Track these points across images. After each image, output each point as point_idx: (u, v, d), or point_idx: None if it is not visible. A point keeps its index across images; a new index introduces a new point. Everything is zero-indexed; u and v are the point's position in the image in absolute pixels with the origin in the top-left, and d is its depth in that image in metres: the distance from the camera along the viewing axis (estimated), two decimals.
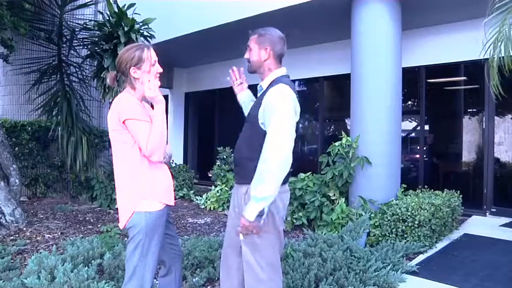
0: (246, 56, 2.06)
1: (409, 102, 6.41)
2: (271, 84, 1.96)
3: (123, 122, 1.89)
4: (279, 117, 1.81)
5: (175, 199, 7.22)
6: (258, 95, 2.06)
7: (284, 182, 1.90)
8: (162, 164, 2.03)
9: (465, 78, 5.99)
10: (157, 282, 2.31)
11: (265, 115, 1.87)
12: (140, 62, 1.97)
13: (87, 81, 5.79)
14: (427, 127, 6.14)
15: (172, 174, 2.17)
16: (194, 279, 2.94)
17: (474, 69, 5.51)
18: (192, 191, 7.04)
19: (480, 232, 4.44)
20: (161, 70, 2.03)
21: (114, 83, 2.08)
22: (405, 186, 4.76)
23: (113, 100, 2.02)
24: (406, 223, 3.84)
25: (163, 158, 1.95)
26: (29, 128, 6.09)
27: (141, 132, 1.88)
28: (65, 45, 5.48)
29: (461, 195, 4.69)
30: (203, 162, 9.29)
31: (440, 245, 3.98)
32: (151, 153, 1.87)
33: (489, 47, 3.04)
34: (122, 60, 2.00)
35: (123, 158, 1.95)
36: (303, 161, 7.49)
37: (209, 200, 6.23)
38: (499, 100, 3.31)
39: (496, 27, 2.97)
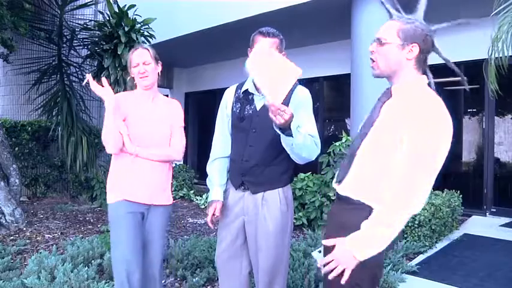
0: None
1: None
2: None
3: None
4: None
5: (175, 199, 7.21)
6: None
7: None
8: (145, 160, 2.07)
9: (465, 78, 5.98)
10: None
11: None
12: (128, 63, 2.21)
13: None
14: None
15: (173, 175, 2.20)
16: (194, 279, 2.94)
17: (474, 69, 5.49)
18: (192, 191, 7.03)
19: (480, 232, 4.45)
20: (143, 71, 2.13)
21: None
22: None
23: None
24: (406, 223, 3.84)
25: (115, 150, 2.04)
26: (29, 128, 6.08)
27: None
28: (65, 45, 5.47)
29: (461, 195, 4.68)
30: (203, 162, 9.25)
31: (440, 245, 3.98)
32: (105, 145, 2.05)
33: (491, 47, 3.04)
34: None
35: None
36: None
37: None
38: (497, 99, 3.32)
39: (497, 27, 2.98)
